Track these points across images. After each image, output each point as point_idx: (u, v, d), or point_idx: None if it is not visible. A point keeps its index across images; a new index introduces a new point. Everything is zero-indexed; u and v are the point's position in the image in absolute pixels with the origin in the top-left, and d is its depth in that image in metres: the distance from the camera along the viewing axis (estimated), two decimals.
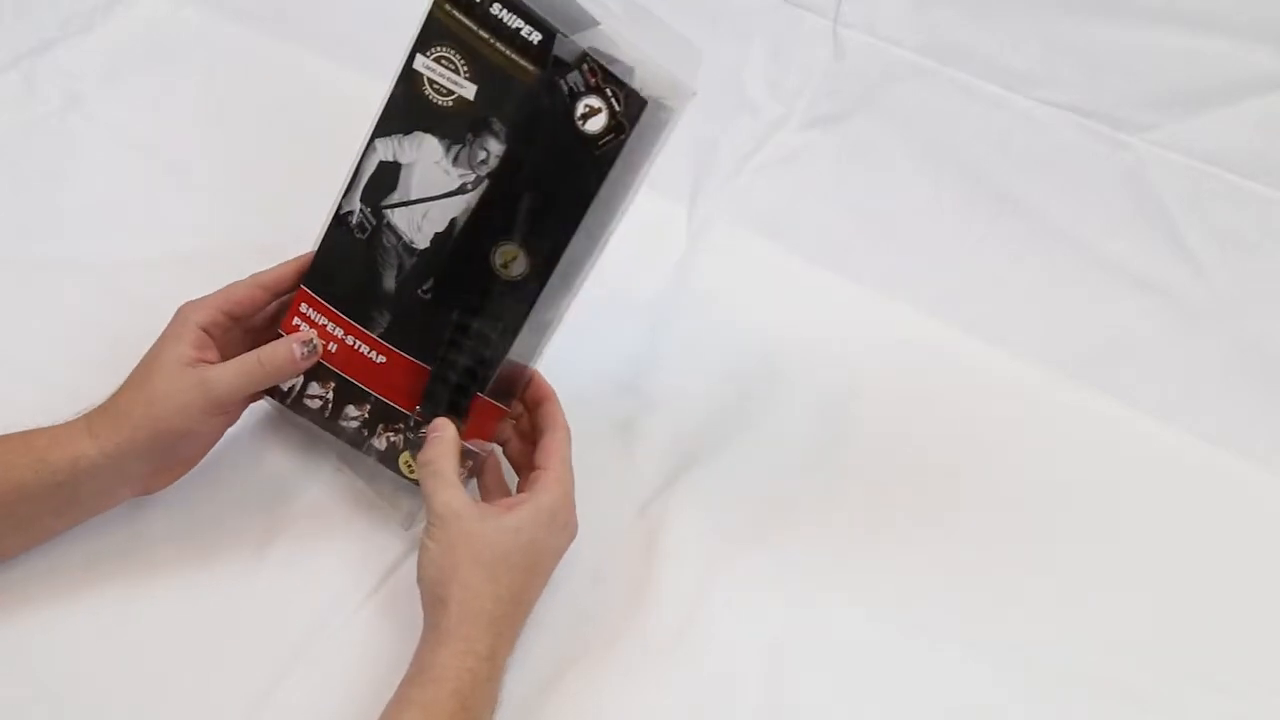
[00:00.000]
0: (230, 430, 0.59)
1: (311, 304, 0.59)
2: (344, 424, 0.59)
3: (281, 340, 0.57)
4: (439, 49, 0.54)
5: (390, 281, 0.58)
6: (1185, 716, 0.59)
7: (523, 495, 0.56)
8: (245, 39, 0.83)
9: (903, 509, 0.65)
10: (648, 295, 0.73)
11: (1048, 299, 0.74)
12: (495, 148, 0.55)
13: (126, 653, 0.56)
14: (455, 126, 0.55)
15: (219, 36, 0.83)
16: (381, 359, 0.58)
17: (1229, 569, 0.64)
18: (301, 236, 0.64)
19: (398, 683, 0.52)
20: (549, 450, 0.57)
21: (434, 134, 0.55)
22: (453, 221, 0.56)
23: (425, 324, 0.58)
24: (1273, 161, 0.70)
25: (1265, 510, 0.67)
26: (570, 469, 0.57)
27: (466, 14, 0.53)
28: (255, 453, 0.63)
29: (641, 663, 0.58)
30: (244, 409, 0.59)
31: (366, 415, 0.59)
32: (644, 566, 0.61)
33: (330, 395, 0.59)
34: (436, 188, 0.56)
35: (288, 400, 0.59)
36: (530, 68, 0.53)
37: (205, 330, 0.56)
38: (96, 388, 0.64)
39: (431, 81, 0.55)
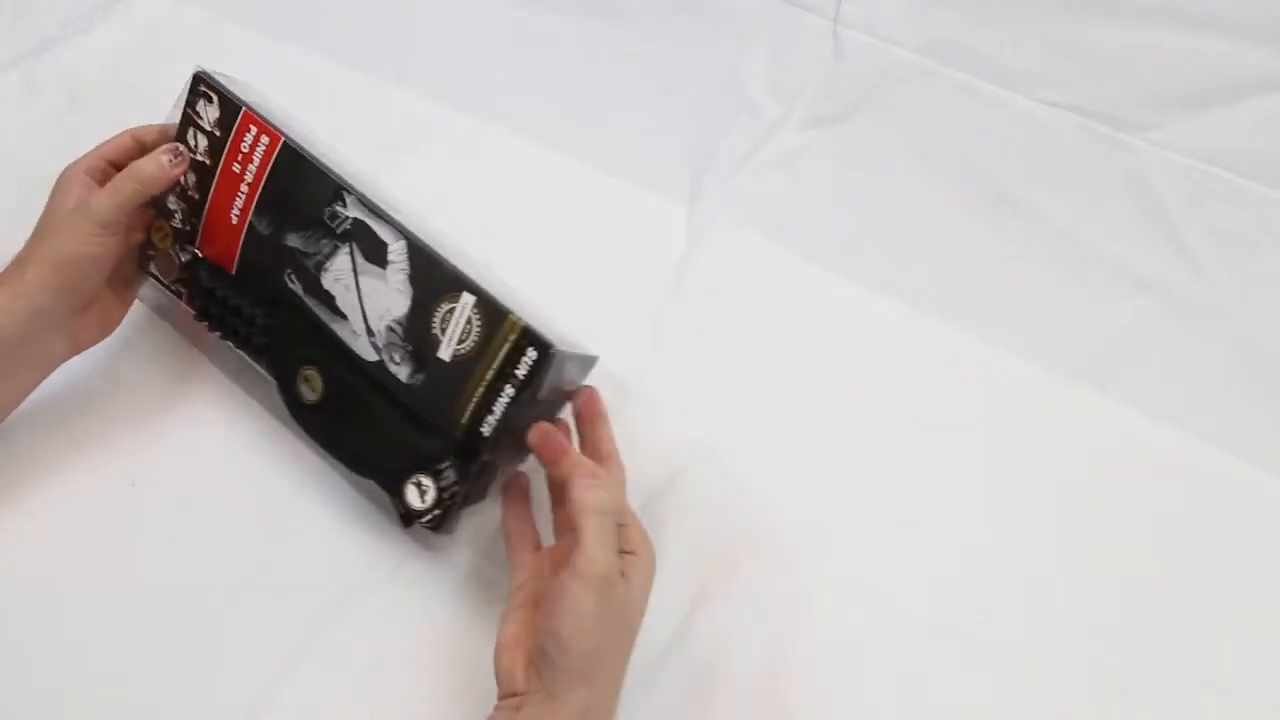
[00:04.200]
0: (237, 428, 0.60)
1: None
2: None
3: (151, 154, 0.59)
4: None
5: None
6: (1185, 716, 0.59)
7: (630, 555, 0.53)
8: (245, 39, 0.83)
9: (902, 507, 0.65)
10: (648, 295, 0.73)
11: (1048, 299, 0.74)
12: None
13: (128, 647, 0.57)
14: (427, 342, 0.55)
15: (219, 36, 0.83)
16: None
17: (1229, 569, 0.64)
18: None
19: (409, 667, 0.51)
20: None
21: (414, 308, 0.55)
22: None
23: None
24: (1273, 161, 0.70)
25: (1265, 510, 0.67)
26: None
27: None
28: (257, 443, 0.64)
29: (642, 662, 0.58)
30: (136, 236, 0.62)
31: None
32: None
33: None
34: (369, 307, 0.56)
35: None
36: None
37: (90, 175, 0.59)
38: (94, 383, 0.64)
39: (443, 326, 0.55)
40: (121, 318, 0.63)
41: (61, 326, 0.59)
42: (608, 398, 0.59)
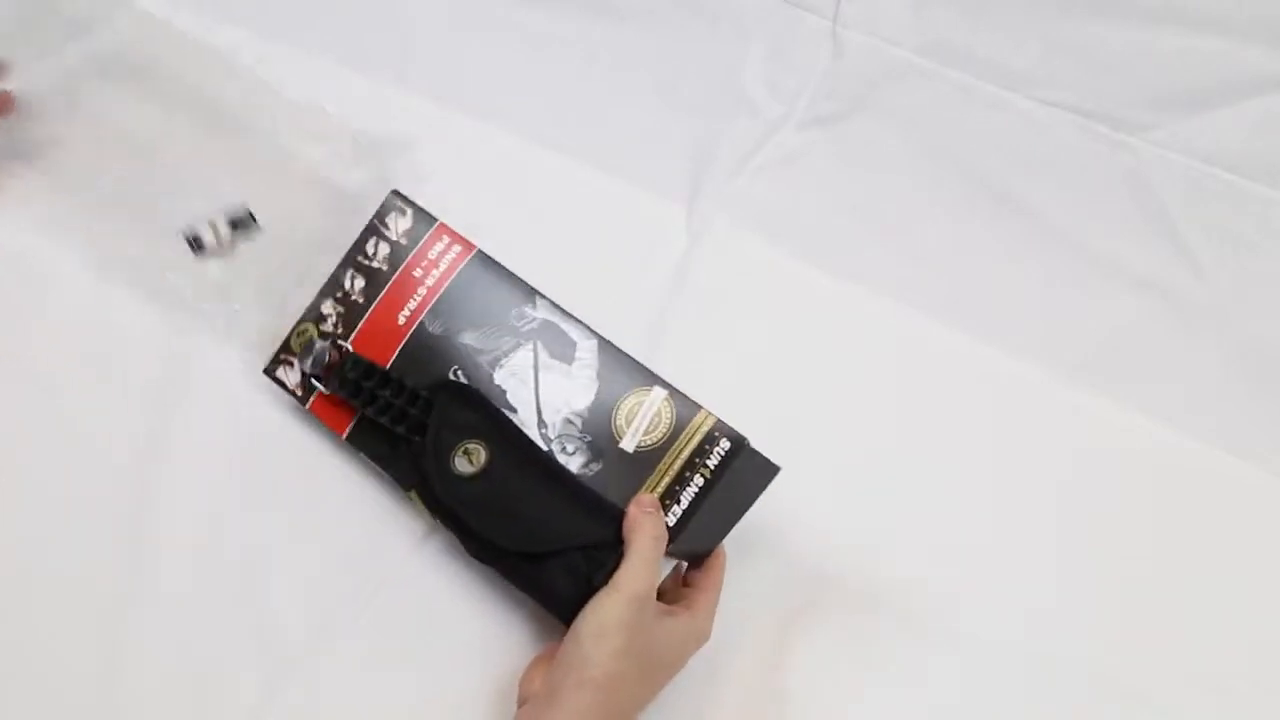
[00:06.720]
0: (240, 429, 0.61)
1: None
2: None
3: None
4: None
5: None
6: (1185, 716, 0.59)
7: (684, 606, 0.55)
8: (244, 39, 0.83)
9: (900, 508, 0.65)
10: (648, 295, 0.73)
11: (1047, 299, 0.74)
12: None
13: (128, 647, 0.57)
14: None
15: (218, 37, 0.83)
16: None
17: (1229, 569, 0.64)
18: None
19: (416, 664, 0.53)
20: (709, 575, 0.57)
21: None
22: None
23: None
24: (1273, 161, 0.70)
25: (1265, 510, 0.67)
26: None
27: None
28: (256, 444, 0.64)
29: None
30: None
31: None
32: None
33: None
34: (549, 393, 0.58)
35: None
36: None
37: None
38: (87, 383, 0.64)
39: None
40: None
41: None
42: None
